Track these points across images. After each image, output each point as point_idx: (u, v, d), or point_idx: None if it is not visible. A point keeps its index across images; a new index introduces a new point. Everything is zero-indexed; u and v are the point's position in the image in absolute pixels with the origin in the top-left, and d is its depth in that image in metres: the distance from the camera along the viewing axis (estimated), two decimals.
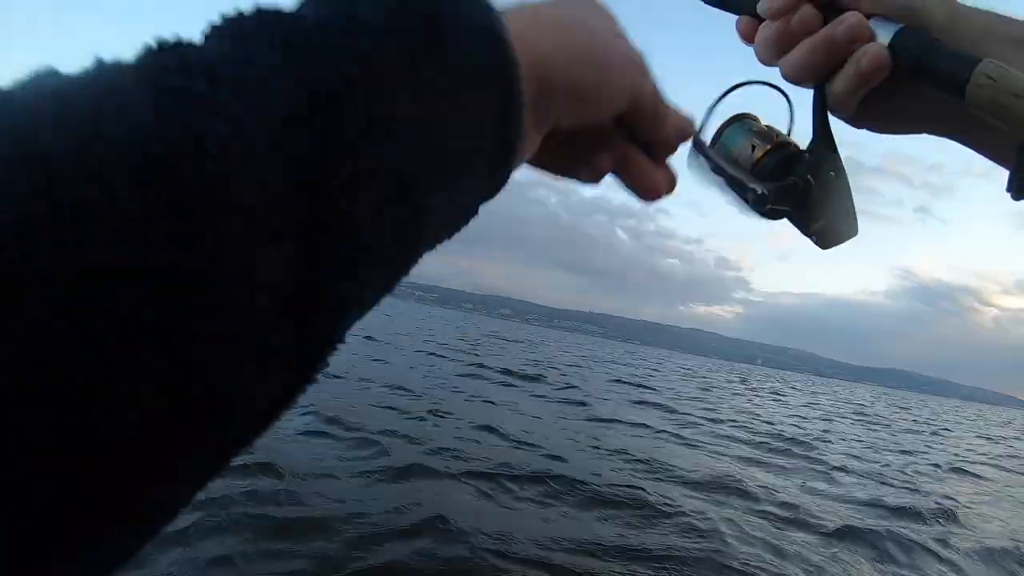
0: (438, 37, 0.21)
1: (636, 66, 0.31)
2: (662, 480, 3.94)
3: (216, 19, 0.19)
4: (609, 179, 0.38)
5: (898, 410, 22.64)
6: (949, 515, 4.26)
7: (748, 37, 0.47)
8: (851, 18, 0.40)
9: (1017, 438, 16.28)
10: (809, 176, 0.42)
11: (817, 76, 0.42)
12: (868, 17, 0.41)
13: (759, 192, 0.41)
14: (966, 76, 0.36)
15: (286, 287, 0.17)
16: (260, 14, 0.19)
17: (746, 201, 0.42)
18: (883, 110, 0.43)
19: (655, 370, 21.44)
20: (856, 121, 0.44)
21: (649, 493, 3.44)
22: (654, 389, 11.41)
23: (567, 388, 8.78)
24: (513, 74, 0.24)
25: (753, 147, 0.44)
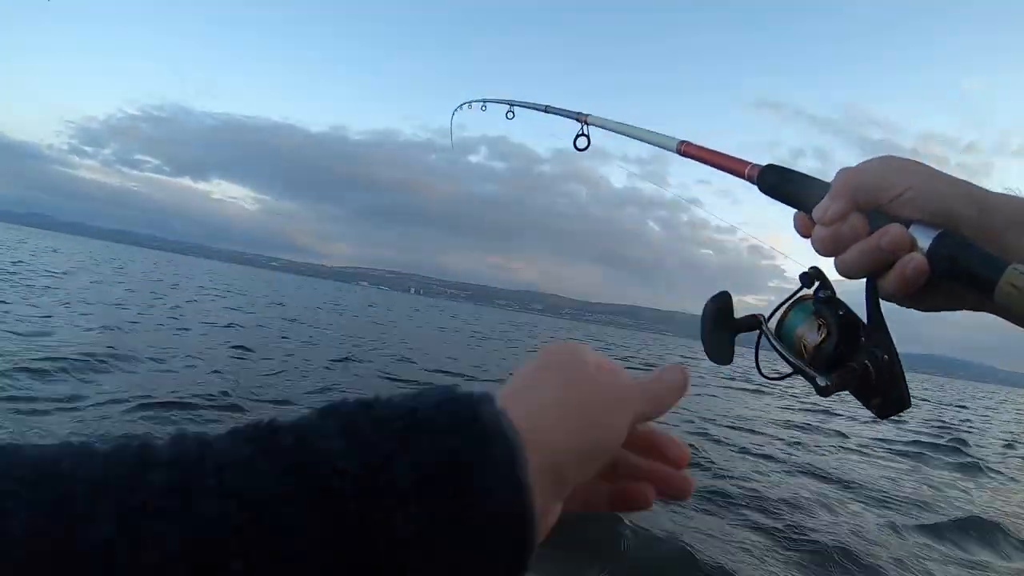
0: (467, 505, 0.25)
1: (624, 405, 0.34)
2: None
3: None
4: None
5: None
6: None
7: (805, 233, 0.53)
8: (894, 230, 0.45)
9: None
10: (867, 362, 0.47)
11: (868, 275, 0.48)
12: (909, 224, 0.46)
13: (822, 384, 0.46)
14: (994, 281, 0.41)
15: None
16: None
17: (811, 384, 0.47)
18: (927, 299, 0.48)
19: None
20: (904, 304, 0.50)
21: None
22: None
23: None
24: (529, 517, 0.26)
25: (819, 327, 0.50)
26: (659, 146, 0.86)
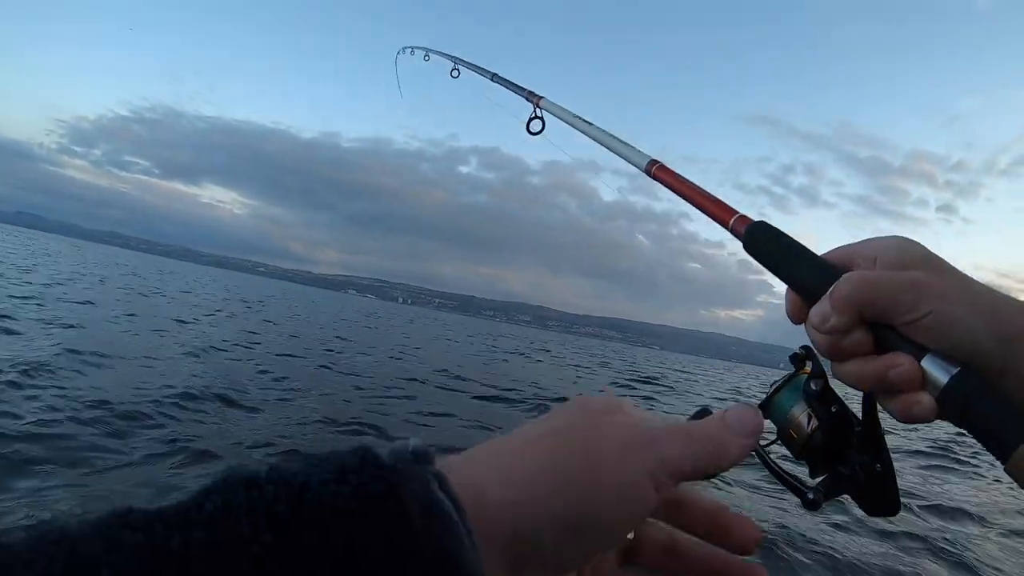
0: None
1: (636, 454, 0.26)
2: None
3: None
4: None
5: None
6: None
7: (798, 319, 0.46)
8: (906, 365, 0.39)
9: None
10: (858, 468, 0.42)
11: (867, 390, 0.42)
12: (923, 352, 0.39)
13: (811, 498, 0.42)
14: (1008, 450, 0.37)
15: None
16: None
17: (800, 498, 0.43)
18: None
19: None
20: None
21: None
22: None
23: None
24: None
25: (809, 417, 0.44)
26: (625, 159, 0.71)
